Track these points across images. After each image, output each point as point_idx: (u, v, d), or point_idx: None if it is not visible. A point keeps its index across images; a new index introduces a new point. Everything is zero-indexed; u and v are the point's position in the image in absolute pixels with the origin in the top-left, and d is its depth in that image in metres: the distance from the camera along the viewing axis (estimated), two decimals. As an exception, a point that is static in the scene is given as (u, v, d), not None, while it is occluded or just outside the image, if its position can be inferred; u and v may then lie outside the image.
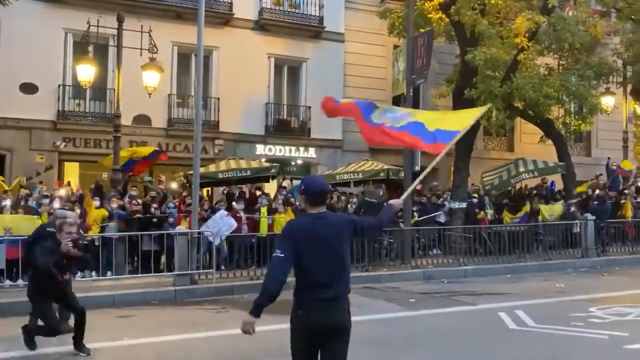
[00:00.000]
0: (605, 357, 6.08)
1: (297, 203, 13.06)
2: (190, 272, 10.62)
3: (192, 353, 6.54)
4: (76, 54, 16.13)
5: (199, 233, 10.93)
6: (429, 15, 15.06)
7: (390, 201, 4.15)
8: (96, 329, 6.96)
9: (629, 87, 19.99)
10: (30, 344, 6.41)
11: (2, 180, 13.25)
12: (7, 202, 11.10)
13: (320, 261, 3.47)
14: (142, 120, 16.89)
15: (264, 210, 12.90)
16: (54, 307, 6.60)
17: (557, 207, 15.66)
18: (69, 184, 15.35)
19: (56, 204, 11.57)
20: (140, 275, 11.03)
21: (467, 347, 6.54)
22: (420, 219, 14.23)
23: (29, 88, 15.87)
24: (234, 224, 11.42)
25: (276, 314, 7.96)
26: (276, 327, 7.67)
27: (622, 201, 16.36)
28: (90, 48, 15.03)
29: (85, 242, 6.41)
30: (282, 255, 3.47)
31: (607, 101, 18.58)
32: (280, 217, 12.62)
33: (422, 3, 15.53)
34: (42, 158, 16.00)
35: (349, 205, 14.18)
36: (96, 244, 10.62)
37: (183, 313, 9.05)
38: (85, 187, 16.27)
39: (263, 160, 17.57)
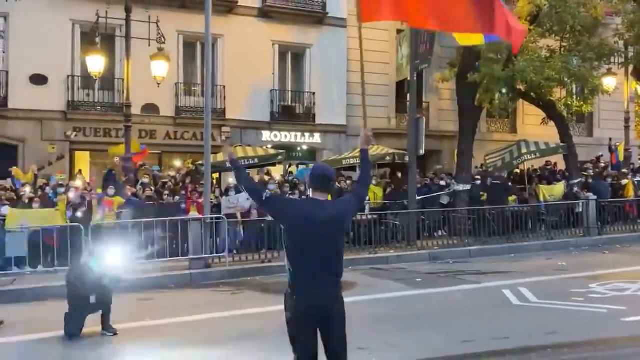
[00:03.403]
0: (604, 329, 6.42)
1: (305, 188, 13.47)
2: (204, 256, 11.00)
3: (213, 332, 6.91)
4: (84, 45, 16.38)
5: (211, 219, 11.30)
6: (431, 0, 15.21)
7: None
8: (119, 311, 7.32)
9: (631, 68, 20.10)
10: None
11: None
12: (27, 190, 11.46)
13: (312, 248, 3.50)
14: (150, 109, 17.18)
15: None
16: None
17: (558, 188, 15.96)
18: (80, 172, 15.72)
19: (71, 194, 11.92)
20: (155, 260, 11.41)
21: (473, 323, 6.90)
22: (421, 197, 14.48)
23: (39, 79, 16.15)
24: (247, 207, 11.86)
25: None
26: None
27: (624, 181, 16.64)
28: (98, 39, 15.25)
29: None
30: (268, 194, 3.69)
31: (609, 82, 18.74)
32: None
33: (425, -12, 15.66)
34: (53, 148, 16.34)
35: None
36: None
37: (200, 295, 9.45)
38: (95, 175, 16.70)
39: (269, 146, 17.89)
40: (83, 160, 17.54)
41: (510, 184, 15.82)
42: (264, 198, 3.65)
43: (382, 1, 4.66)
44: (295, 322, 3.58)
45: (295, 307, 3.56)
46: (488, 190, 14.89)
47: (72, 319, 6.47)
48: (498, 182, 15.16)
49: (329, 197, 3.77)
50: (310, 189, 3.75)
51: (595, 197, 14.65)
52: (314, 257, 3.52)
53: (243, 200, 12.03)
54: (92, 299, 6.48)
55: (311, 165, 18.62)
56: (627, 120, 21.00)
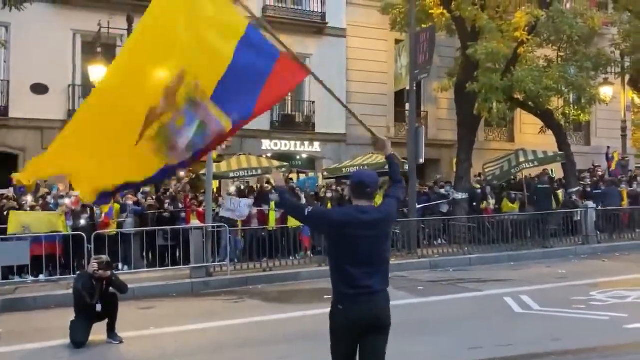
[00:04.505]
0: (606, 336, 6.47)
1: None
2: (205, 264, 11.02)
3: (217, 340, 6.94)
4: (85, 55, 16.48)
5: (213, 227, 11.33)
6: (430, 11, 15.39)
7: (389, 155, 3.90)
8: (122, 320, 7.32)
9: (627, 77, 20.34)
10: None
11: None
12: (29, 198, 11.48)
13: (360, 254, 3.38)
14: (150, 118, 17.22)
15: (272, 203, 13.25)
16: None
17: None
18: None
19: (67, 201, 11.93)
20: (157, 268, 11.43)
21: (477, 330, 6.94)
22: (421, 205, 14.55)
23: (39, 88, 16.20)
24: (245, 215, 11.89)
25: (296, 303, 8.45)
26: (296, 315, 8.12)
27: (619, 189, 16.78)
28: (99, 49, 15.32)
29: (108, 261, 6.80)
30: (310, 209, 3.57)
31: (606, 91, 18.95)
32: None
33: (422, -1, 15.86)
34: (54, 157, 16.33)
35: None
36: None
37: (202, 304, 9.47)
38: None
39: (269, 155, 17.96)
40: (83, 169, 17.55)
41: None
42: (306, 214, 3.55)
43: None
44: (339, 335, 3.43)
45: (342, 318, 3.40)
46: (536, 194, 15.14)
47: (78, 327, 6.49)
48: (547, 186, 15.45)
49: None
50: (351, 196, 3.65)
51: (594, 206, 14.76)
52: (359, 265, 3.38)
53: (243, 206, 12.04)
54: (99, 308, 6.51)
55: (311, 174, 18.78)
56: (623, 129, 21.24)
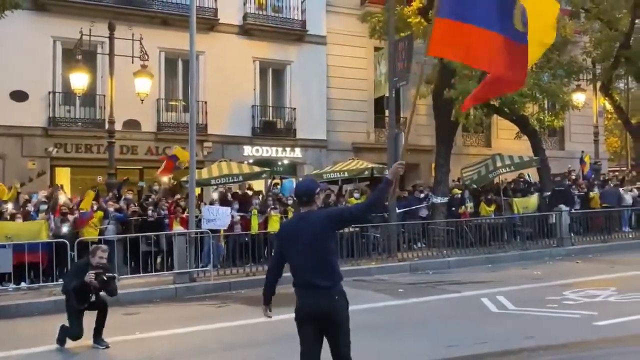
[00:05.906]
0: (577, 332, 6.77)
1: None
2: (189, 270, 11.12)
3: (203, 344, 7.07)
4: (65, 62, 16.45)
5: (196, 233, 11.44)
6: (408, 20, 15.72)
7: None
8: (107, 326, 7.39)
9: (599, 84, 20.95)
10: (62, 341, 6.91)
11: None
12: (9, 206, 11.45)
13: (301, 256, 3.90)
14: (132, 125, 17.25)
15: (255, 209, 13.39)
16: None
17: (532, 201, 16.47)
18: (61, 187, 15.65)
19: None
20: (140, 274, 11.48)
21: (454, 329, 7.19)
22: (401, 210, 14.82)
23: (19, 95, 16.11)
24: (226, 225, 11.98)
25: (279, 306, 8.62)
26: (280, 318, 8.29)
27: (591, 193, 17.28)
28: (79, 56, 15.33)
29: (107, 276, 6.85)
30: (273, 254, 4.23)
31: (578, 97, 19.52)
32: (272, 216, 13.20)
33: (401, 8, 16.19)
34: (34, 164, 16.26)
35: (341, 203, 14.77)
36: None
37: (186, 308, 9.57)
38: (75, 191, 16.64)
39: (250, 161, 18.10)
40: (64, 176, 17.48)
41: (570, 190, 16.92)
42: (273, 256, 4.35)
43: (451, 42, 4.85)
44: (297, 325, 3.99)
45: (295, 311, 3.98)
46: (552, 196, 15.81)
47: (72, 324, 6.62)
48: (562, 188, 16.06)
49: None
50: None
51: (568, 209, 15.20)
52: (302, 265, 3.93)
53: (223, 214, 12.13)
54: (92, 298, 6.65)
55: (293, 179, 18.93)
56: (596, 134, 21.85)
